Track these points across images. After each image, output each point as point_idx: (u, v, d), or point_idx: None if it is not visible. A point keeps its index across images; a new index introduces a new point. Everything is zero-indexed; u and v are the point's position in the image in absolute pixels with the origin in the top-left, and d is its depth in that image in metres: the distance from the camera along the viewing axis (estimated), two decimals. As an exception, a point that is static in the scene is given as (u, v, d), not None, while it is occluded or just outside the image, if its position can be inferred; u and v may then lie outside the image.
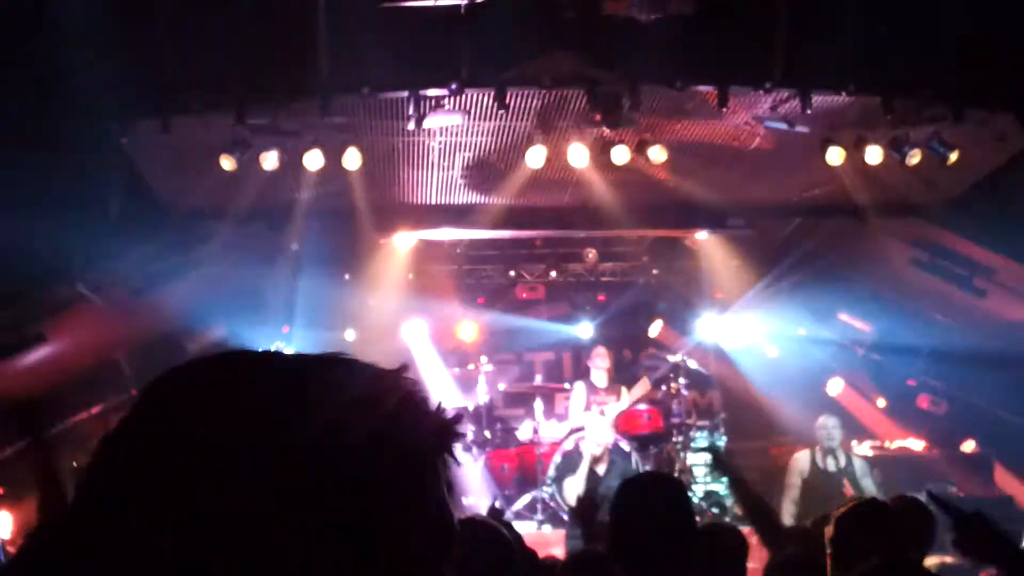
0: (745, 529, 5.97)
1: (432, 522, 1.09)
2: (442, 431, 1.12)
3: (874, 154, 9.77)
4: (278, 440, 1.02)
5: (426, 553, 1.08)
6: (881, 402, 14.64)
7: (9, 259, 9.50)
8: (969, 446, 13.29)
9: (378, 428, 1.06)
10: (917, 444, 13.47)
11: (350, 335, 14.76)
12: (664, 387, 13.39)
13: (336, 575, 1.01)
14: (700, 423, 13.34)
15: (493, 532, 3.87)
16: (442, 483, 1.12)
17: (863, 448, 12.81)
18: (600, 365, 12.94)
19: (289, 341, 14.43)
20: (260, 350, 1.15)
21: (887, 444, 13.46)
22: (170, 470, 1.01)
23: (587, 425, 11.72)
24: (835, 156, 9.80)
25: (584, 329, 15.11)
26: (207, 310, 13.37)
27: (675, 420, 12.93)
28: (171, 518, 0.99)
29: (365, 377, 1.12)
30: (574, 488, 10.66)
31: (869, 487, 10.78)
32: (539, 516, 11.49)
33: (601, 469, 10.86)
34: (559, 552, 8.16)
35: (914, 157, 9.68)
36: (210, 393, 1.07)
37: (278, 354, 1.14)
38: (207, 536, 0.98)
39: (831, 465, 10.93)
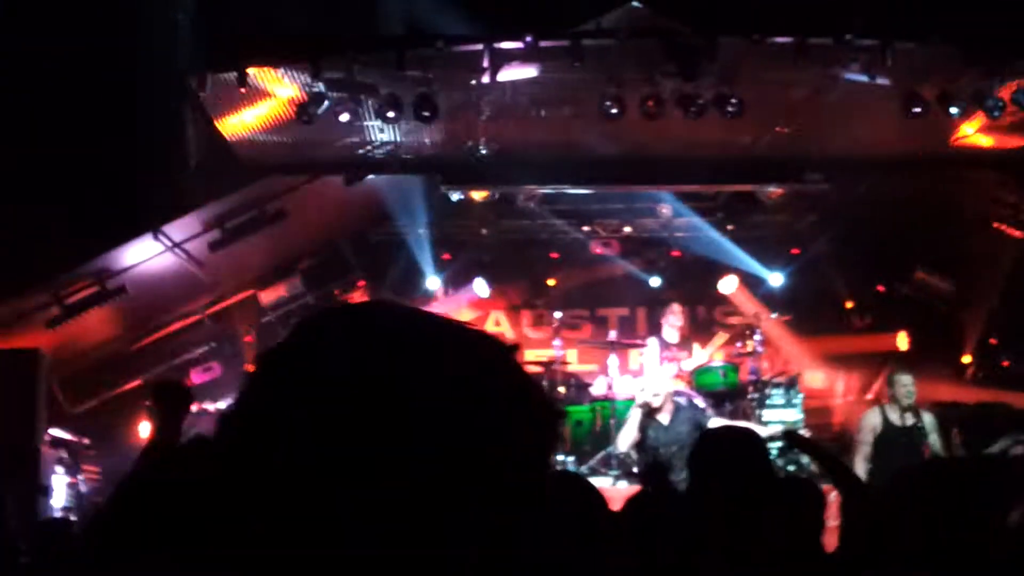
0: (824, 486, 5.92)
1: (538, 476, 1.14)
2: (552, 406, 1.17)
3: (957, 107, 9.57)
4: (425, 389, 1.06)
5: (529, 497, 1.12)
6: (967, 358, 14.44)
7: (90, 213, 9.68)
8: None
9: (512, 391, 1.12)
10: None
11: (433, 283, 14.82)
12: (739, 344, 13.29)
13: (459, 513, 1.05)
14: (776, 380, 13.21)
15: (585, 485, 3.89)
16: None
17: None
18: (674, 323, 12.87)
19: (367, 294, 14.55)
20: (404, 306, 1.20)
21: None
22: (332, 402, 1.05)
23: (647, 374, 11.66)
24: (916, 108, 9.60)
25: (654, 283, 15.03)
26: (284, 261, 13.53)
27: (751, 377, 12.84)
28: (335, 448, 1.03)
29: (493, 345, 1.16)
30: (626, 438, 10.56)
31: (936, 444, 10.65)
32: (614, 471, 11.48)
33: (665, 419, 10.74)
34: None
35: (998, 110, 9.48)
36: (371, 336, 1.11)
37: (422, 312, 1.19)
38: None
39: (905, 422, 10.80)
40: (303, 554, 1.03)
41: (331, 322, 1.16)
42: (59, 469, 10.88)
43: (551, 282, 15.54)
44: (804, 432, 12.37)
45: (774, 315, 13.31)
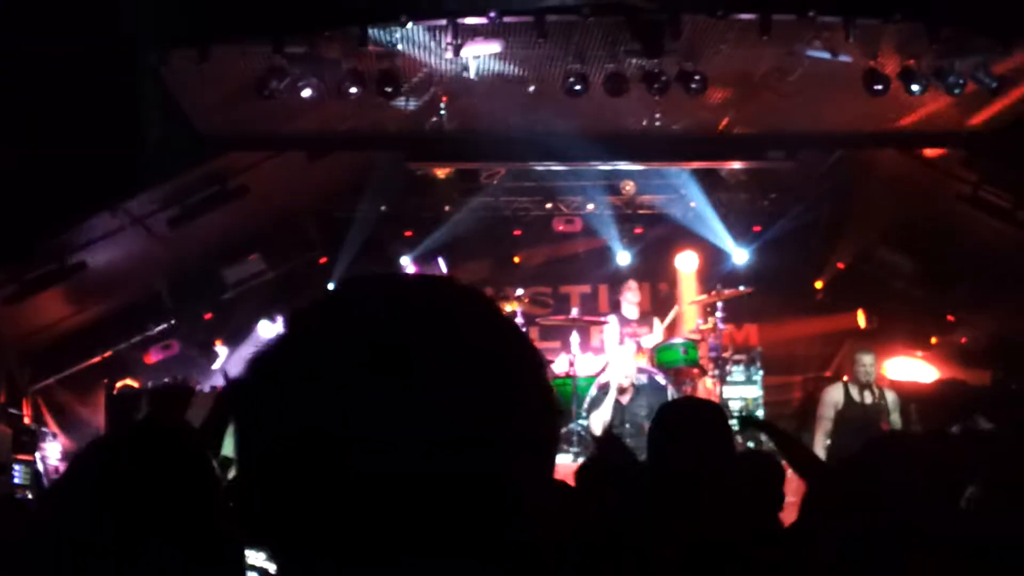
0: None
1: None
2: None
3: (918, 84, 9.62)
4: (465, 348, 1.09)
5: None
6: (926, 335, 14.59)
7: (49, 190, 9.58)
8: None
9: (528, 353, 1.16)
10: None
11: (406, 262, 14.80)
12: (700, 321, 13.35)
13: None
14: (736, 357, 13.29)
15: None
16: None
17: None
18: (631, 299, 12.91)
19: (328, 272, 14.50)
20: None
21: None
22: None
23: (612, 357, 11.72)
24: (878, 86, 9.65)
25: (622, 259, 15.06)
26: (245, 239, 13.45)
27: (712, 354, 12.90)
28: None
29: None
30: (599, 419, 10.63)
31: (897, 423, 10.78)
32: (575, 448, 11.52)
33: (625, 399, 10.81)
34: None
35: (959, 87, 9.55)
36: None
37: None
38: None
39: (866, 399, 10.91)
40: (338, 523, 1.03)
41: (363, 288, 1.18)
42: (16, 447, 10.80)
43: (516, 259, 15.53)
44: (760, 412, 12.56)
45: (737, 289, 13.35)
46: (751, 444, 11.56)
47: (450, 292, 1.17)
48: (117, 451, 2.30)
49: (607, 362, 12.24)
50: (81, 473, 2.29)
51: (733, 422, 11.73)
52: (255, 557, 3.52)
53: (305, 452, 1.03)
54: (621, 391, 10.69)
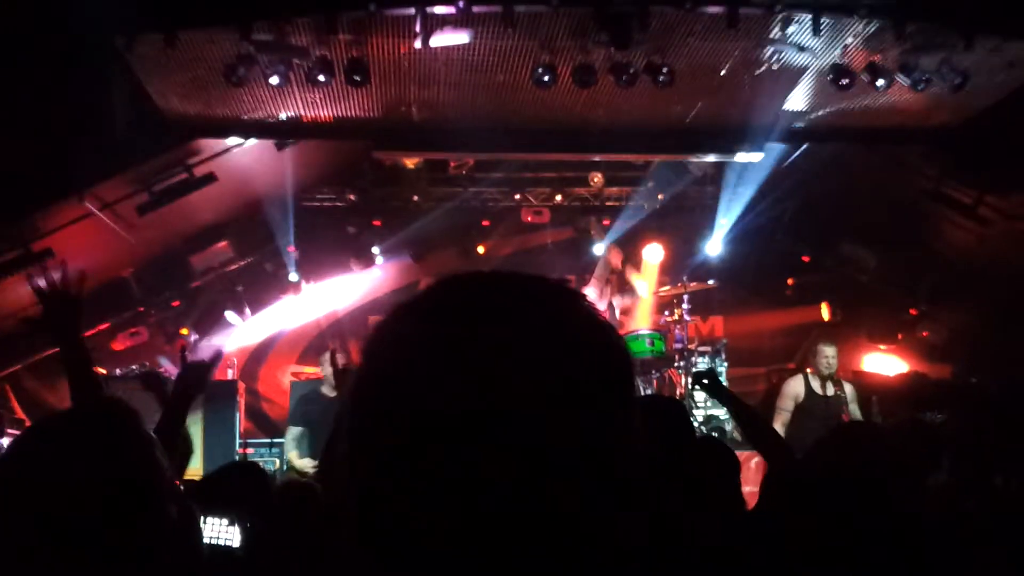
0: (742, 453, 5.99)
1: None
2: None
3: (883, 79, 9.72)
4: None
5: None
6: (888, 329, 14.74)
7: (16, 175, 9.52)
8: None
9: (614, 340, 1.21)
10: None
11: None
12: (666, 312, 13.43)
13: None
14: (702, 348, 13.38)
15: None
16: None
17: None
18: (613, 261, 13.04)
19: (295, 262, 14.50)
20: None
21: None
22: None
23: None
24: (844, 80, 9.74)
25: (599, 250, 15.13)
26: (213, 226, 13.41)
27: (677, 345, 12.99)
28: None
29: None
30: None
31: (856, 414, 10.87)
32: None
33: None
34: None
35: (923, 83, 9.65)
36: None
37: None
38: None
39: (828, 390, 10.98)
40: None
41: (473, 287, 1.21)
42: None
43: (480, 249, 15.57)
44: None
45: (703, 283, 13.44)
46: (715, 435, 11.65)
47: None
48: (61, 431, 2.29)
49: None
50: (20, 454, 2.29)
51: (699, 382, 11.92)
52: (215, 529, 3.55)
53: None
54: None
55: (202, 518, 3.41)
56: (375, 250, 14.97)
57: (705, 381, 6.00)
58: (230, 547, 3.81)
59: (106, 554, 2.12)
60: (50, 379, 12.64)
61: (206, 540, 3.67)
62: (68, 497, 2.11)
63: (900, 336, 14.65)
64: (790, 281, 15.49)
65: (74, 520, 2.10)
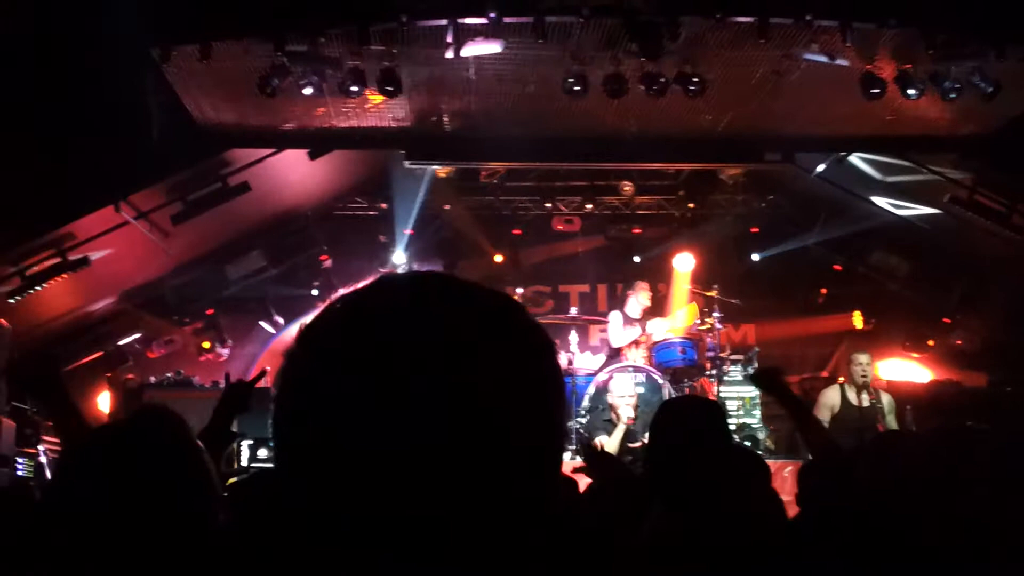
0: (774, 463, 5.99)
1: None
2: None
3: (914, 88, 9.70)
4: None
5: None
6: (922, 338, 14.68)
7: (53, 184, 9.65)
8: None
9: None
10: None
11: (399, 258, 14.86)
12: (698, 321, 13.40)
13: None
14: (734, 357, 13.35)
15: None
16: None
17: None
18: (642, 300, 12.94)
19: (329, 271, 14.58)
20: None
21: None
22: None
23: (613, 379, 11.70)
24: (875, 90, 9.72)
25: (639, 257, 15.13)
26: (246, 235, 13.50)
27: (709, 354, 12.95)
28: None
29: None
30: (610, 444, 10.72)
31: (892, 425, 10.81)
32: (573, 446, 11.59)
33: (626, 414, 10.90)
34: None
35: (954, 92, 9.63)
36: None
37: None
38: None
39: (863, 401, 10.93)
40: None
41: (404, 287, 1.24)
42: (20, 440, 10.86)
43: (498, 258, 15.54)
44: (756, 412, 12.59)
45: (728, 300, 13.43)
46: (747, 444, 11.62)
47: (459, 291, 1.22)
48: (121, 437, 2.36)
49: (607, 358, 12.33)
50: (84, 460, 2.35)
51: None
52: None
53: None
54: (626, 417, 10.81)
55: None
56: (402, 256, 15.00)
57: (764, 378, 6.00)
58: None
59: (157, 553, 2.18)
60: (84, 386, 12.78)
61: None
62: (125, 500, 2.17)
63: (933, 344, 14.58)
64: (823, 291, 15.44)
65: (132, 520, 2.17)
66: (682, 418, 4.19)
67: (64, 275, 11.06)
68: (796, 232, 14.80)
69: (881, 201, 13.41)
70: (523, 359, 1.18)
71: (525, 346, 1.20)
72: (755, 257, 14.80)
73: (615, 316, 12.83)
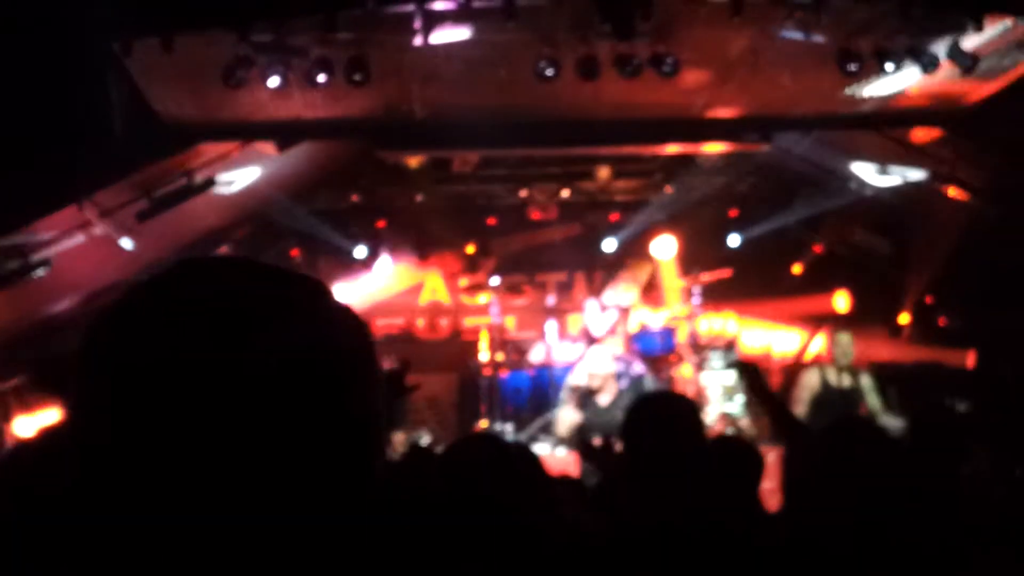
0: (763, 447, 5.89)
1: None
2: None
3: (892, 62, 9.57)
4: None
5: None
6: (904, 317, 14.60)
7: (13, 183, 9.41)
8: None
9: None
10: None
11: (360, 252, 14.68)
12: (677, 306, 13.30)
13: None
14: (715, 342, 13.22)
15: (499, 446, 3.81)
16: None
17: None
18: (623, 290, 12.82)
19: (299, 265, 14.36)
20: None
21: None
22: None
23: (586, 355, 11.54)
24: (853, 65, 9.58)
25: (607, 246, 14.93)
26: (214, 232, 13.29)
27: (689, 341, 12.85)
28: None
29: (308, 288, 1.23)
30: (565, 419, 10.44)
31: (876, 405, 10.73)
32: (552, 438, 11.43)
33: (604, 399, 10.59)
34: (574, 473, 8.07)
35: (933, 66, 9.51)
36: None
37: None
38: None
39: (843, 382, 10.85)
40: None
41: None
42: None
43: (470, 249, 15.36)
44: (739, 397, 12.45)
45: (716, 272, 13.29)
46: (730, 431, 11.50)
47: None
48: None
49: (585, 349, 12.16)
50: None
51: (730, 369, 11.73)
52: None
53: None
54: (596, 391, 10.49)
55: None
56: (364, 250, 14.81)
57: (743, 370, 5.99)
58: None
59: None
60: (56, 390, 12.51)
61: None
62: None
63: (916, 324, 14.50)
64: (796, 268, 15.36)
65: None
66: (654, 420, 4.06)
67: (26, 276, 10.81)
68: (775, 213, 14.64)
69: (864, 168, 13.27)
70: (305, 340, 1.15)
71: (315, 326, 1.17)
72: (735, 240, 14.66)
73: (591, 304, 12.71)
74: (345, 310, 1.22)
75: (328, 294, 1.23)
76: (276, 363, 1.10)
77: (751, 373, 5.96)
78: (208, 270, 1.20)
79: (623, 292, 12.69)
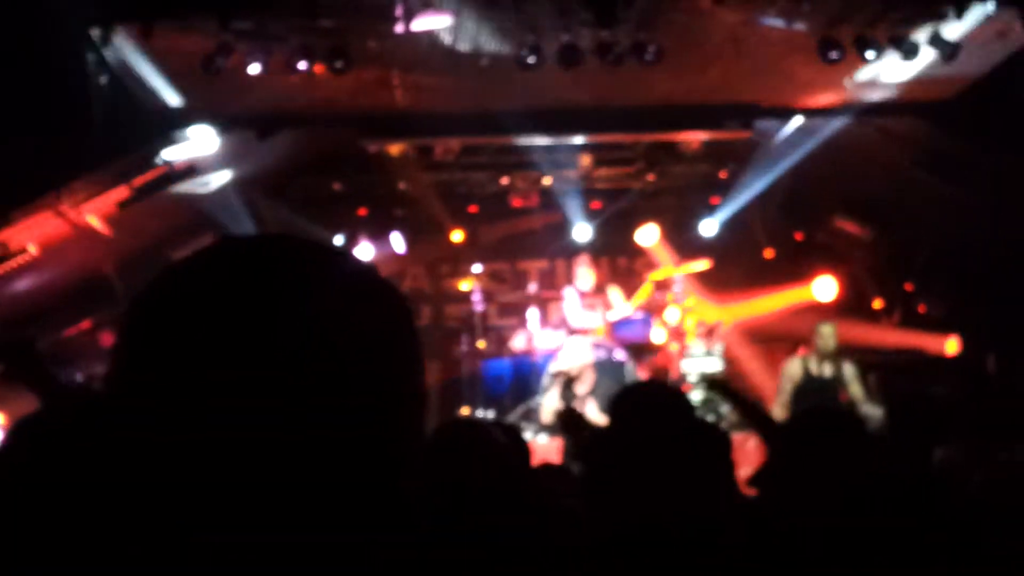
0: (737, 436, 5.93)
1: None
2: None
3: (873, 50, 9.58)
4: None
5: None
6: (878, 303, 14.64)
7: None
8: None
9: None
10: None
11: (337, 240, 14.62)
12: (659, 294, 13.29)
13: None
14: (696, 331, 13.23)
15: (483, 433, 3.80)
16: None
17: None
18: (583, 275, 12.77)
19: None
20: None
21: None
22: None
23: (564, 344, 11.55)
24: (834, 53, 9.58)
25: (578, 234, 14.89)
26: (196, 220, 13.21)
27: (670, 328, 12.86)
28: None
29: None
30: (549, 405, 10.51)
31: (857, 394, 10.77)
32: (533, 425, 11.45)
33: (581, 389, 10.63)
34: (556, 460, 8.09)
35: (914, 54, 9.52)
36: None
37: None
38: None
39: (825, 371, 10.89)
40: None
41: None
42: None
43: (456, 236, 15.29)
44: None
45: (696, 263, 13.27)
46: (711, 417, 11.52)
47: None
48: None
49: (567, 336, 12.17)
50: None
51: (698, 392, 11.75)
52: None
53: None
54: (574, 380, 10.53)
55: None
56: (357, 239, 14.77)
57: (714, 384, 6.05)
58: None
59: None
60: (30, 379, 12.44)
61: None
62: None
63: (896, 311, 14.54)
64: (767, 254, 15.38)
65: None
66: (642, 411, 4.05)
67: (3, 264, 10.75)
68: (756, 201, 14.64)
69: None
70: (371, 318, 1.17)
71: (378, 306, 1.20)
72: (712, 227, 14.65)
73: (569, 292, 12.70)
74: (387, 286, 1.24)
75: (370, 270, 1.24)
76: (316, 341, 1.09)
77: (722, 388, 6.04)
78: (248, 248, 1.20)
79: (584, 280, 12.61)
